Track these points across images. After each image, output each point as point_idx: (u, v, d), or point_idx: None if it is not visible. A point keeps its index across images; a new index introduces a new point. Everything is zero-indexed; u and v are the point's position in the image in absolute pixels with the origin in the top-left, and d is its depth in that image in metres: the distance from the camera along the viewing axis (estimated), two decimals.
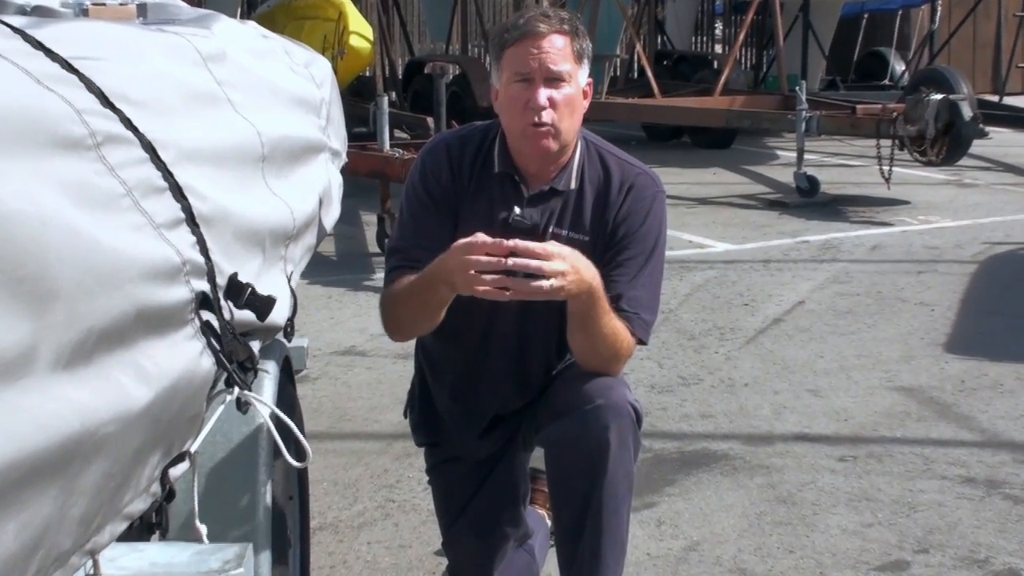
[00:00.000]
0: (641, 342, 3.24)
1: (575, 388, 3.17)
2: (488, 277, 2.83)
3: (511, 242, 2.83)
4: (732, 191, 12.74)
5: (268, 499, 2.66)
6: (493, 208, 3.25)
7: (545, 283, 2.84)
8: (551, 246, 2.90)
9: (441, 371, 3.49)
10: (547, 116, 3.11)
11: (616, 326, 3.12)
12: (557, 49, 3.12)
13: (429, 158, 3.33)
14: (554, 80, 3.11)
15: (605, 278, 3.15)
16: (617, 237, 3.25)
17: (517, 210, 3.24)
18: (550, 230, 3.24)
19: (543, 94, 3.10)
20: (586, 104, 3.24)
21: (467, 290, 2.89)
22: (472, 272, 2.84)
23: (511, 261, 2.82)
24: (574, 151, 3.27)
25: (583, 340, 3.15)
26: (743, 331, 7.07)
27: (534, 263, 2.83)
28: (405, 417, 3.72)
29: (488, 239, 2.84)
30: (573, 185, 3.26)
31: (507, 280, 2.83)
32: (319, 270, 8.07)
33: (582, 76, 3.20)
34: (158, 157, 2.03)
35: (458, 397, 3.46)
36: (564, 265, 2.88)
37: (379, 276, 8.61)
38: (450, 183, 3.27)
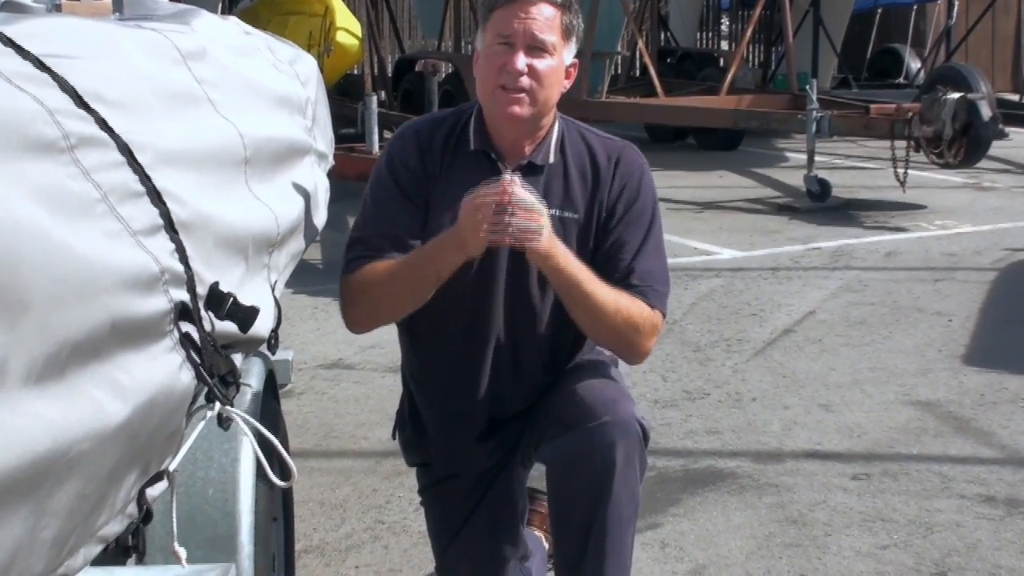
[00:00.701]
0: (660, 309, 3.29)
1: (579, 402, 3.17)
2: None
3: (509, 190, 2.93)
4: (739, 195, 12.75)
5: (250, 521, 2.66)
6: (467, 185, 3.26)
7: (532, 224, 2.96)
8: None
9: (430, 379, 3.48)
10: (524, 82, 3.15)
11: (618, 299, 3.16)
12: (545, 18, 3.16)
13: (397, 145, 3.37)
14: (536, 49, 3.16)
15: (610, 257, 3.25)
16: (616, 215, 3.30)
17: (507, 176, 3.26)
18: None
19: (522, 59, 3.14)
20: (567, 84, 3.29)
21: (481, 245, 3.01)
22: (484, 226, 2.94)
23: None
24: (551, 127, 3.32)
25: (586, 317, 3.20)
26: (751, 343, 7.07)
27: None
28: (394, 438, 3.71)
29: (493, 190, 2.94)
30: (552, 159, 3.31)
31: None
32: (304, 279, 8.06)
33: (567, 53, 3.25)
34: (135, 160, 2.03)
35: (450, 402, 3.44)
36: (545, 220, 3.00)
37: None
38: (419, 167, 3.30)
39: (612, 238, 3.28)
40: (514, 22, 3.14)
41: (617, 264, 3.25)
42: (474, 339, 3.34)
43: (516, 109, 3.18)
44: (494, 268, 3.28)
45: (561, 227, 3.25)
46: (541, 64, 3.15)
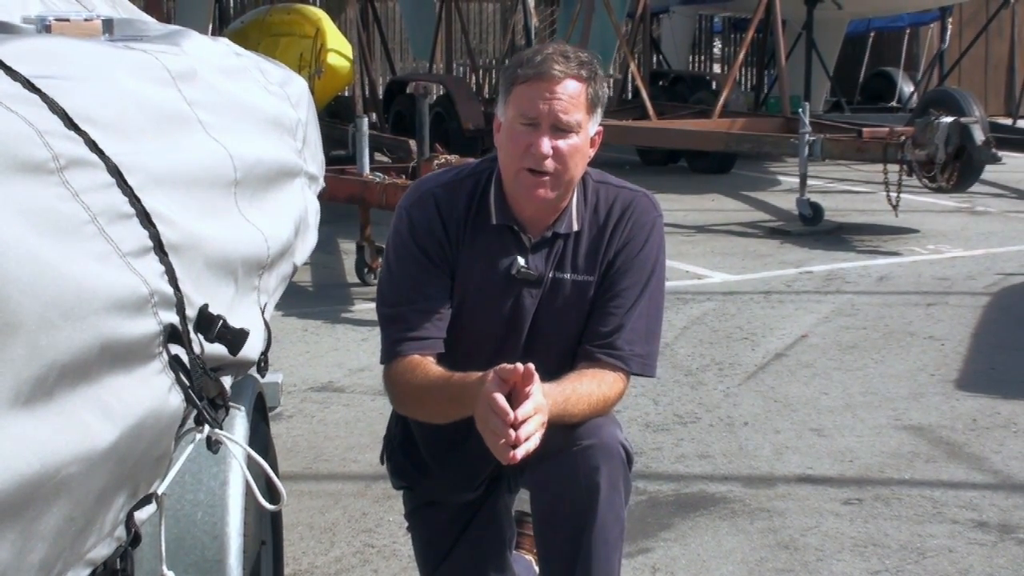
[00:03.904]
0: (644, 375, 3.31)
1: (564, 427, 3.16)
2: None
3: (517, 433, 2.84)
4: (731, 218, 12.77)
5: (239, 544, 2.66)
6: (493, 259, 3.25)
7: (529, 447, 2.87)
8: (523, 407, 2.88)
9: (440, 433, 3.43)
10: (548, 165, 3.11)
11: (592, 397, 3.15)
12: (570, 96, 3.10)
13: (417, 211, 3.30)
14: (562, 130, 3.11)
15: (603, 309, 3.23)
16: (615, 265, 3.28)
17: (521, 261, 3.24)
18: (550, 275, 3.26)
19: (547, 143, 3.09)
20: (592, 152, 3.25)
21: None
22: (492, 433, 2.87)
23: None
24: (572, 193, 3.28)
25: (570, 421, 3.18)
26: (743, 366, 7.07)
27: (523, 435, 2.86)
28: (382, 463, 3.70)
29: (510, 414, 2.84)
30: (575, 227, 3.28)
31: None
32: (294, 301, 8.07)
33: (592, 125, 3.20)
34: (125, 182, 2.03)
35: (464, 444, 3.40)
36: (539, 419, 2.89)
37: (358, 308, 8.62)
38: (444, 237, 3.25)
39: (609, 288, 3.27)
40: (539, 103, 3.09)
41: (608, 318, 3.24)
42: None
43: (541, 192, 3.15)
44: (518, 328, 3.29)
45: (576, 290, 3.26)
46: (566, 144, 3.11)
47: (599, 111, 3.21)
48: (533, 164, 3.11)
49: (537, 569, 3.74)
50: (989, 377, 6.84)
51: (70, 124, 1.96)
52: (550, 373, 3.27)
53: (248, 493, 2.57)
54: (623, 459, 3.16)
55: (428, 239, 3.25)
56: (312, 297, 9.03)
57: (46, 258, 1.63)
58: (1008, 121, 18.36)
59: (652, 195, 3.41)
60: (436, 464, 3.48)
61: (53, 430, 1.58)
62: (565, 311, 3.29)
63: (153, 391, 1.94)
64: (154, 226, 2.07)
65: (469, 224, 3.27)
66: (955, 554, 4.49)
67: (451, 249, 3.26)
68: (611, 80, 17.84)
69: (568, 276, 3.26)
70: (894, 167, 11.52)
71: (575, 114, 3.11)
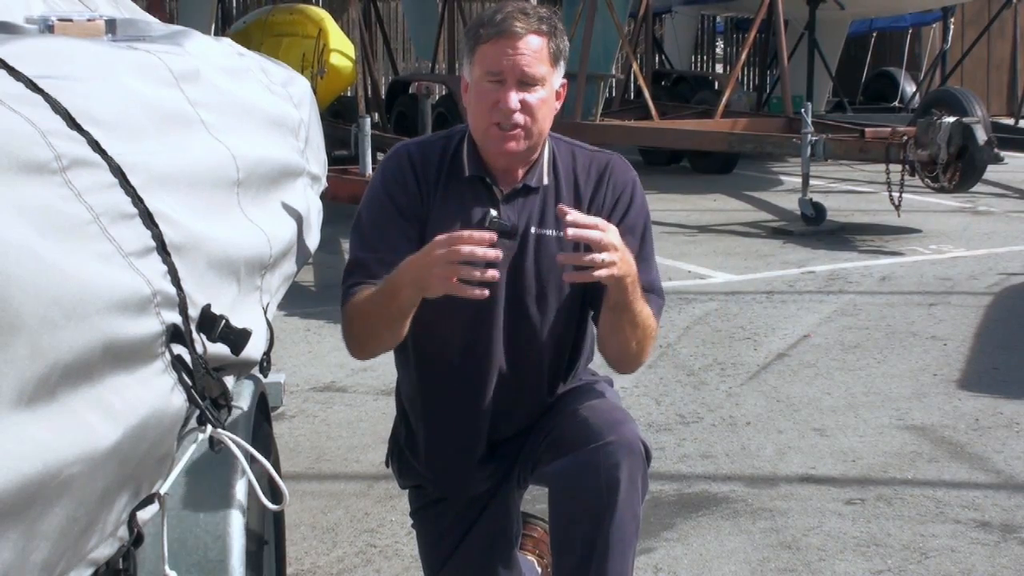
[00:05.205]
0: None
1: (583, 423, 3.17)
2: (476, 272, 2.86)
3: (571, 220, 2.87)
4: (734, 218, 12.77)
5: (242, 544, 2.65)
6: (465, 211, 3.27)
7: (599, 256, 2.88)
8: (601, 223, 2.93)
9: (428, 402, 3.43)
10: (518, 118, 3.15)
11: (647, 311, 3.18)
12: (533, 51, 3.14)
13: (391, 164, 3.35)
14: (527, 84, 3.15)
15: None
16: None
17: (493, 212, 3.24)
18: (532, 231, 3.27)
19: (514, 97, 3.13)
20: (558, 105, 3.29)
21: (442, 288, 2.90)
22: (455, 265, 2.85)
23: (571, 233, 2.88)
24: (543, 149, 3.32)
25: (624, 337, 3.20)
26: (745, 366, 7.07)
27: (594, 235, 2.88)
28: (387, 466, 3.69)
29: (473, 232, 2.87)
30: (546, 180, 3.31)
31: (490, 274, 2.87)
32: (297, 301, 8.07)
33: (556, 78, 3.24)
34: (127, 182, 2.03)
35: (449, 426, 3.41)
36: (617, 252, 2.92)
37: None
38: (416, 190, 3.29)
39: None
40: (503, 60, 3.13)
41: None
42: (474, 361, 3.33)
43: (512, 145, 3.18)
44: (494, 288, 3.26)
45: (559, 247, 3.26)
46: (533, 98, 3.15)
47: (562, 64, 3.25)
48: (501, 119, 3.15)
49: (539, 570, 3.74)
50: (992, 377, 6.83)
51: (73, 124, 1.96)
52: (533, 340, 3.31)
53: (250, 493, 2.57)
54: (643, 456, 3.16)
55: (398, 189, 3.29)
56: (314, 297, 9.02)
57: (49, 258, 1.63)
58: (1010, 121, 18.36)
59: (622, 156, 3.46)
60: (434, 450, 3.47)
61: (56, 430, 1.58)
62: (546, 269, 3.29)
63: (155, 391, 1.94)
64: (157, 226, 2.07)
65: (442, 178, 3.30)
66: (957, 554, 4.49)
67: (421, 204, 3.28)
68: (613, 80, 17.82)
69: (552, 233, 3.27)
70: (896, 167, 11.51)
71: (539, 67, 3.15)
